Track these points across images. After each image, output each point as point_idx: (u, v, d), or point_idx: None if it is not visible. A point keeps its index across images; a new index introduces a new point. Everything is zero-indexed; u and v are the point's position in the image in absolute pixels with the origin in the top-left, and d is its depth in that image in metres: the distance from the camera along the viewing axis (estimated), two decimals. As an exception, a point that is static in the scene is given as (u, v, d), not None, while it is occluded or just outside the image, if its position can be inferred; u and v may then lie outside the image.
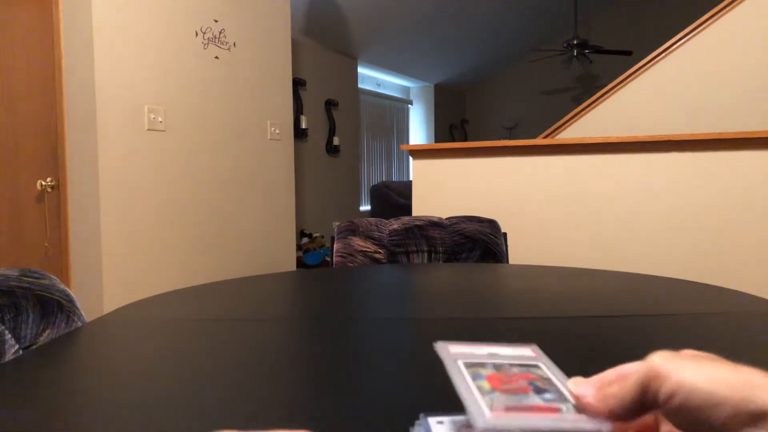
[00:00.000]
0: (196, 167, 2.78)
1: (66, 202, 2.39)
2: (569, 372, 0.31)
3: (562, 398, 0.30)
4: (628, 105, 2.43)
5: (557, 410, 0.29)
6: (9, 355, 0.92)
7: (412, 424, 0.31)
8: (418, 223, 1.57)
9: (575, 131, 2.55)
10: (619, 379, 0.27)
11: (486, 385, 0.31)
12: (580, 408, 0.29)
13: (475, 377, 0.31)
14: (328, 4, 4.66)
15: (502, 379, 0.32)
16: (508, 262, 1.60)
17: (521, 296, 0.98)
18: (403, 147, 2.68)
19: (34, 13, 2.31)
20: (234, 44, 2.96)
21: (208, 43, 2.81)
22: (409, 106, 7.82)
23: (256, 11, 3.15)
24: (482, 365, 0.33)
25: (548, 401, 0.30)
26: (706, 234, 2.22)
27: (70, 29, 2.34)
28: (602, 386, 0.27)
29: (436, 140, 7.78)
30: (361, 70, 6.46)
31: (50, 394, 0.62)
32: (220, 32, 2.88)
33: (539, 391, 0.31)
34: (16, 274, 1.08)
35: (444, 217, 1.63)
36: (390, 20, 5.20)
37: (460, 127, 8.51)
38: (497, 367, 0.33)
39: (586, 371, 0.31)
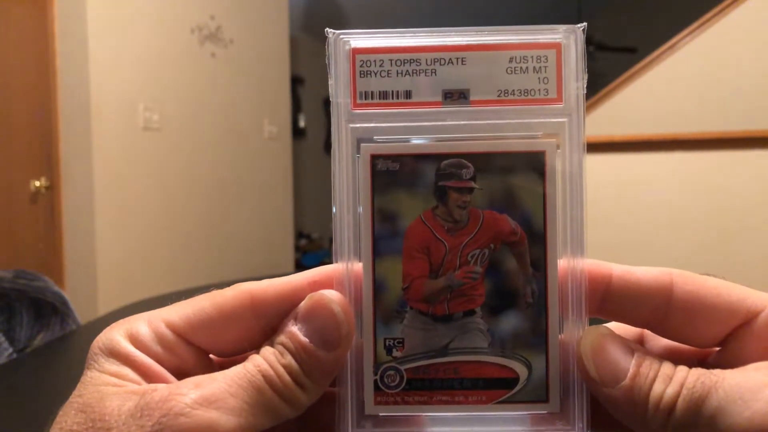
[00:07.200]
0: (192, 166, 2.74)
1: (60, 202, 2.35)
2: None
3: (536, 338, 0.21)
4: (632, 103, 2.41)
5: (503, 393, 0.21)
6: (3, 358, 0.88)
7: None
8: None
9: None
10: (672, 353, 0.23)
11: (393, 272, 0.22)
12: (593, 390, 0.20)
13: (383, 240, 0.21)
14: (327, 0, 4.64)
15: (433, 252, 0.21)
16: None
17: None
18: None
19: (28, 11, 2.27)
20: (231, 41, 2.92)
21: (204, 41, 2.77)
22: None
23: (254, 7, 3.11)
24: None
25: (502, 348, 0.21)
26: (713, 234, 2.20)
27: (64, 27, 2.30)
28: (646, 361, 0.20)
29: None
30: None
31: (45, 397, 0.60)
32: (217, 29, 2.84)
33: (499, 298, 0.21)
34: (9, 276, 1.05)
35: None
36: (390, 17, 5.19)
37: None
38: (446, 174, 0.21)
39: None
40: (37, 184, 2.30)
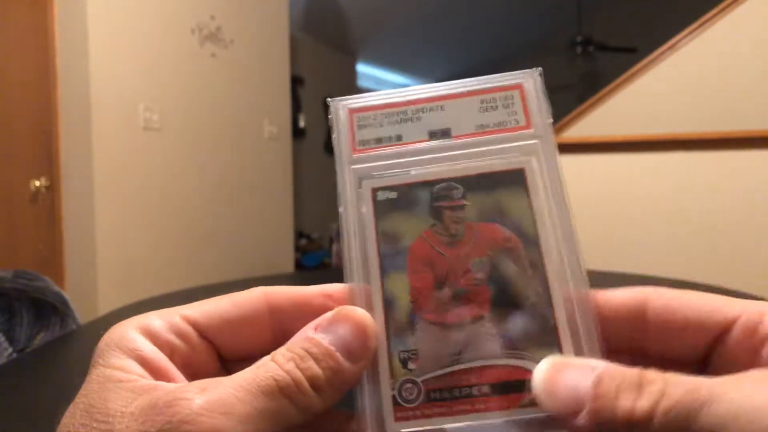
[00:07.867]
0: (193, 166, 2.74)
1: (60, 202, 2.35)
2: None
3: (546, 335, 0.21)
4: (632, 103, 2.41)
5: (521, 396, 0.20)
6: (3, 358, 0.88)
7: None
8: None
9: (578, 130, 2.53)
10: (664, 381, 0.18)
11: (401, 287, 0.23)
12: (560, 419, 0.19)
13: (388, 258, 0.23)
14: (327, 0, 4.63)
15: (436, 264, 0.23)
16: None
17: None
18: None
19: (28, 11, 2.27)
20: (231, 41, 2.92)
21: (204, 41, 2.77)
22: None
23: (254, 7, 3.11)
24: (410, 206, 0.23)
25: (514, 349, 0.21)
26: (715, 235, 2.19)
27: (64, 27, 2.30)
28: (606, 377, 0.18)
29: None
30: (361, 68, 6.44)
31: (45, 397, 0.60)
32: (217, 29, 2.84)
33: (504, 301, 0.22)
34: (9, 275, 1.05)
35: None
36: (390, 17, 5.19)
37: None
38: (435, 213, 0.23)
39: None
40: (37, 184, 2.29)
